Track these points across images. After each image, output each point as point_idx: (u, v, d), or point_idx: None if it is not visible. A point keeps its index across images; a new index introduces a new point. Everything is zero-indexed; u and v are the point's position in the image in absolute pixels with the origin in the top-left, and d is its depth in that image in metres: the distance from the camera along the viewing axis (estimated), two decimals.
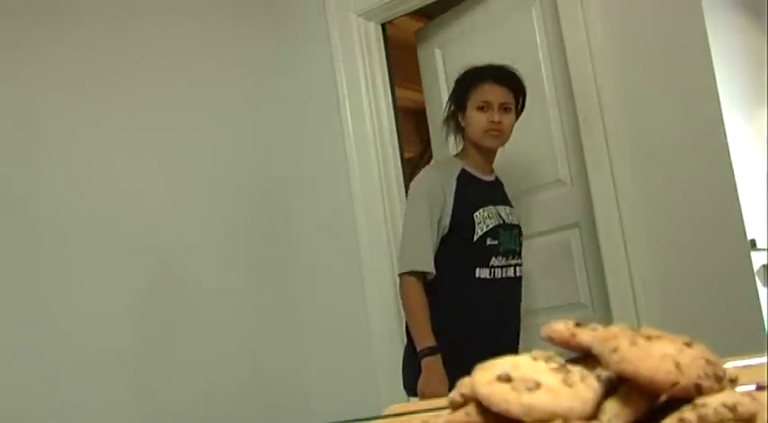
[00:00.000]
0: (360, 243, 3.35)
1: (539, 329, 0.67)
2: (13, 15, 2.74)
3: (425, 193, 2.51)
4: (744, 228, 2.52)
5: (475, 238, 2.49)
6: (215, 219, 3.22)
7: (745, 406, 0.54)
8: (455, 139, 2.70)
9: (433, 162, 2.81)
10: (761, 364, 0.75)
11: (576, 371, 0.57)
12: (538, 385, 0.54)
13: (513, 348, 2.53)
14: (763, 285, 2.56)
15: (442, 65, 3.45)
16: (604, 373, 0.59)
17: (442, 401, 0.68)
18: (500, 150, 3.11)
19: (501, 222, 2.55)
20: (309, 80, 3.61)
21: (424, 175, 2.63)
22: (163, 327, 2.97)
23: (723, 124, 2.56)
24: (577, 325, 0.63)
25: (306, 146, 3.59)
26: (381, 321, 3.26)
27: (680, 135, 2.65)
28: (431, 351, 2.39)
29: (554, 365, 0.57)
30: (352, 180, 3.40)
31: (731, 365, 0.73)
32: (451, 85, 2.97)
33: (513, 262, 2.58)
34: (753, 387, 0.64)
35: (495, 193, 2.65)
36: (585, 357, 0.63)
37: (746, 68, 2.85)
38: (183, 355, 2.98)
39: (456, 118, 2.64)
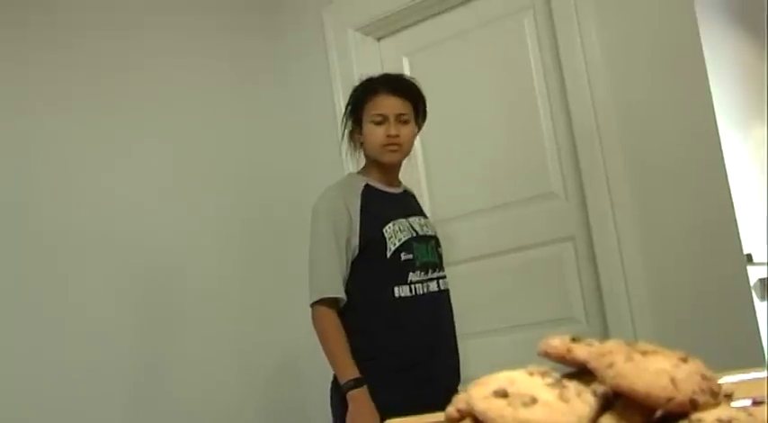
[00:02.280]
0: None
1: (533, 344, 0.67)
2: (7, 23, 2.75)
3: (328, 214, 2.38)
4: (740, 242, 2.52)
5: (388, 255, 2.35)
6: (212, 229, 3.23)
7: (741, 421, 0.54)
8: (357, 155, 2.57)
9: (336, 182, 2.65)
10: (757, 379, 0.75)
11: (572, 386, 0.57)
12: (534, 401, 0.54)
13: (450, 366, 2.44)
14: (760, 300, 2.56)
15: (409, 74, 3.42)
16: (600, 389, 0.59)
17: (439, 416, 0.68)
18: (492, 161, 3.11)
19: (414, 235, 2.41)
20: (306, 94, 3.62)
21: (325, 194, 2.47)
22: (159, 333, 2.97)
23: (719, 138, 2.57)
24: (573, 340, 0.63)
25: (303, 159, 3.60)
26: None
27: (676, 149, 2.66)
28: (355, 383, 2.26)
29: (550, 381, 0.58)
30: None
31: (727, 380, 0.73)
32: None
33: (435, 275, 2.43)
34: (748, 402, 0.64)
35: (404, 204, 2.52)
36: (581, 372, 0.63)
37: (742, 83, 2.87)
38: (179, 360, 2.98)
39: (352, 135, 2.51)
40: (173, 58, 3.25)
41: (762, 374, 0.75)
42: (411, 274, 2.37)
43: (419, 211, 2.58)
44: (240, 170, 3.41)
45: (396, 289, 2.35)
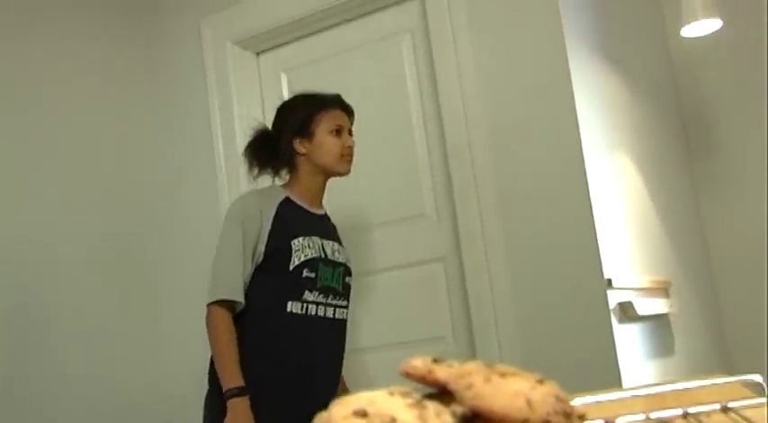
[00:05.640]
0: None
1: (399, 364, 0.67)
2: None
3: (240, 217, 2.36)
4: (601, 267, 2.62)
5: (291, 268, 2.34)
6: (75, 242, 3.13)
7: None
8: (269, 168, 2.55)
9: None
10: (608, 401, 0.78)
11: (432, 407, 0.58)
12: (393, 421, 0.54)
13: (324, 394, 2.32)
14: (619, 323, 2.65)
15: (287, 89, 3.41)
16: (459, 409, 0.59)
17: None
18: (367, 181, 3.13)
19: (322, 256, 2.42)
20: (182, 106, 3.55)
21: (242, 197, 2.50)
22: (23, 348, 2.86)
23: (584, 165, 2.66)
24: (434, 361, 0.64)
25: (177, 173, 3.53)
26: None
27: (544, 175, 2.75)
28: (240, 391, 2.22)
29: (410, 401, 0.58)
30: (221, 212, 3.34)
31: (581, 402, 0.75)
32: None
33: (334, 302, 2.44)
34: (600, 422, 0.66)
35: (322, 226, 2.52)
36: (443, 393, 0.64)
37: (607, 112, 2.98)
38: (43, 377, 2.88)
39: (290, 145, 2.48)
40: (39, 62, 3.14)
41: (612, 396, 0.78)
42: (308, 292, 2.36)
43: (335, 238, 2.57)
44: (111, 187, 3.31)
45: (289, 303, 2.34)
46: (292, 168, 2.53)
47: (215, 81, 3.45)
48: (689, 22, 3.12)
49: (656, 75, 3.57)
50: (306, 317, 2.36)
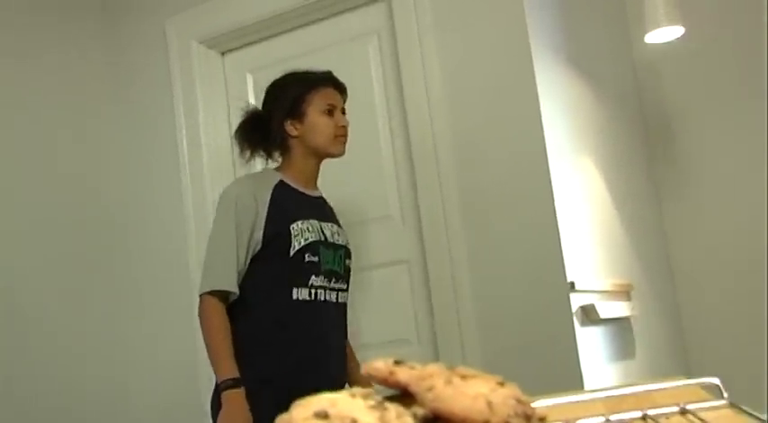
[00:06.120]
0: (190, 272, 3.26)
1: (362, 365, 0.67)
2: None
3: (234, 204, 2.27)
4: (564, 270, 2.64)
5: (292, 253, 2.27)
6: (42, 248, 3.09)
7: None
8: (260, 150, 2.48)
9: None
10: (570, 403, 0.78)
11: (393, 409, 0.58)
12: (354, 422, 0.54)
13: (333, 384, 2.25)
14: (581, 326, 2.67)
15: (253, 90, 3.38)
16: (420, 411, 0.60)
17: None
18: (332, 183, 3.13)
19: (322, 239, 2.35)
20: (146, 105, 3.52)
21: (236, 183, 2.41)
22: None
23: (549, 170, 2.68)
24: (396, 363, 0.64)
25: (141, 175, 3.50)
26: None
27: (508, 178, 2.76)
28: (234, 383, 2.15)
29: (372, 403, 0.58)
30: (186, 213, 3.32)
31: (542, 404, 0.76)
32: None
33: (337, 286, 2.38)
34: None
35: (319, 208, 2.46)
36: (404, 395, 0.64)
37: (571, 117, 3.00)
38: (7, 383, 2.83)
39: (282, 127, 2.40)
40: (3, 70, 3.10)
41: (573, 398, 0.78)
42: (314, 277, 2.31)
43: (334, 220, 2.52)
44: (74, 190, 3.27)
45: (294, 290, 2.28)
46: (285, 151, 2.45)
47: (180, 81, 3.42)
48: (652, 29, 3.15)
49: (620, 80, 3.61)
50: (315, 302, 2.30)
